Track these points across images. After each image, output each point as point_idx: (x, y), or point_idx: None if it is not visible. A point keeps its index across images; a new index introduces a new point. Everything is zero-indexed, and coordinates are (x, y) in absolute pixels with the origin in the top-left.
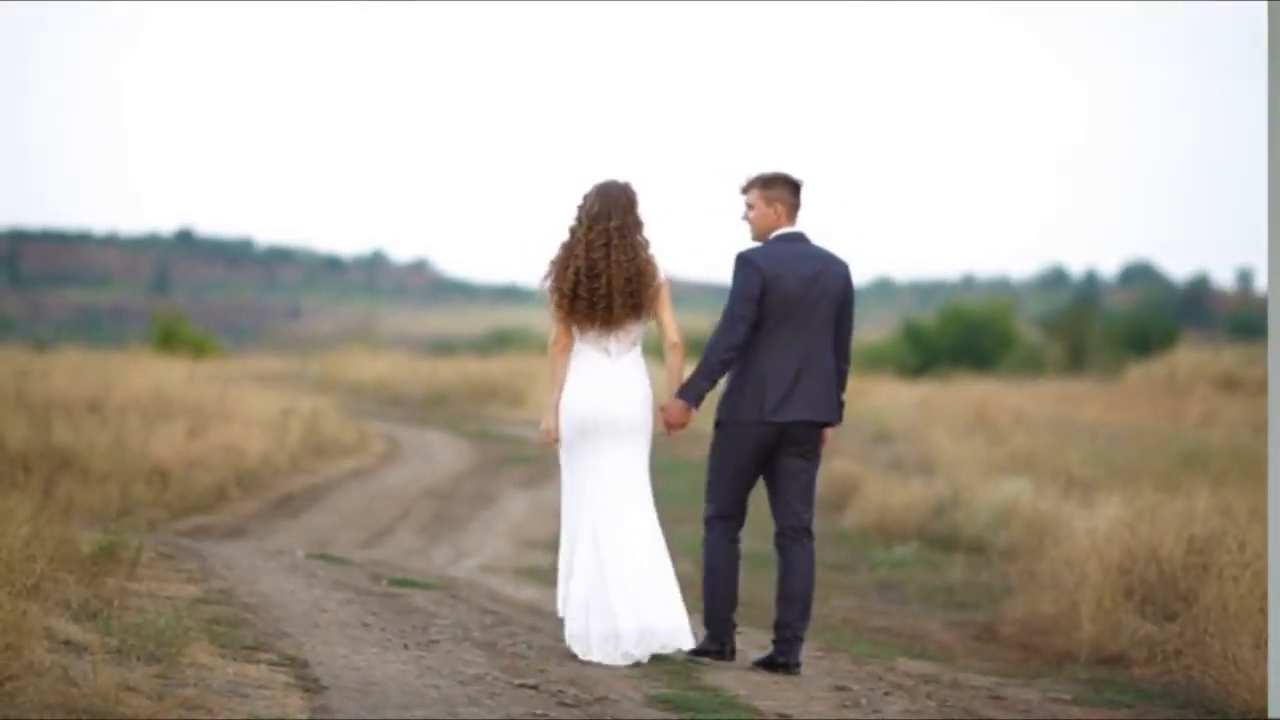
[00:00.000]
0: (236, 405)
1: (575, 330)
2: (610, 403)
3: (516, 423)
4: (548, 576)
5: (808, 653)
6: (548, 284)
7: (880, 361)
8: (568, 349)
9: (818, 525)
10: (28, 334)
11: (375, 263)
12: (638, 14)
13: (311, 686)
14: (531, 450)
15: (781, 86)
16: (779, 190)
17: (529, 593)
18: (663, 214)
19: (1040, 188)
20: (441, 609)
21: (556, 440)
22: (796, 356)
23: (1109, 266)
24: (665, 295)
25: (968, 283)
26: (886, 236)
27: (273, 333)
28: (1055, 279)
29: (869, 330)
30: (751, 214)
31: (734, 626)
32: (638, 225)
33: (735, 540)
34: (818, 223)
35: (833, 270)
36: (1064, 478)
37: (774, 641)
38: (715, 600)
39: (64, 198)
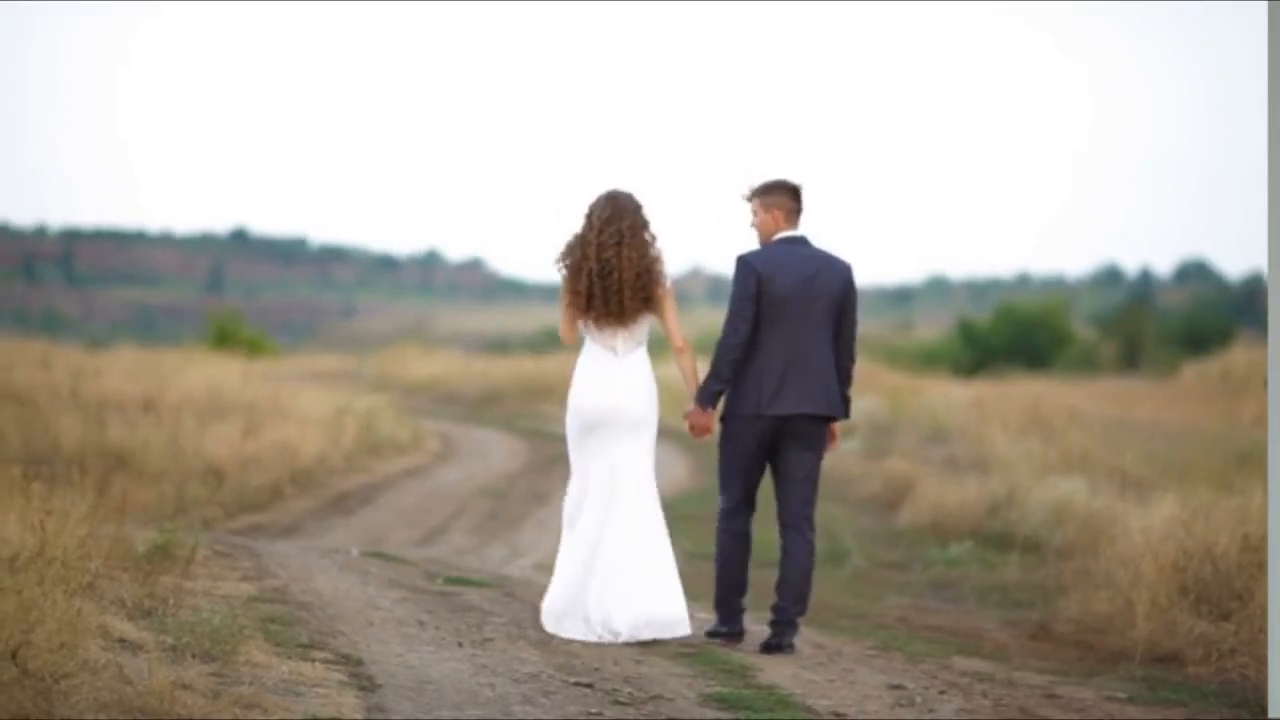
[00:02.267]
0: (291, 404)
1: (587, 328)
2: (616, 399)
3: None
4: None
5: (863, 650)
6: (562, 283)
7: (935, 360)
8: (572, 338)
9: (871, 524)
10: (83, 333)
11: (430, 261)
12: (693, 14)
13: (366, 685)
14: None
15: (840, 88)
16: (777, 197)
17: None
18: (715, 210)
19: (1096, 185)
20: (496, 607)
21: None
22: (790, 353)
23: (1164, 264)
24: (671, 299)
25: (1022, 281)
26: (941, 235)
27: (327, 332)
28: (1110, 277)
29: (924, 329)
30: (755, 221)
31: (742, 610)
32: (646, 226)
33: (745, 529)
34: (873, 222)
35: (830, 272)
36: (1119, 476)
37: (770, 624)
38: (723, 586)
39: (119, 197)
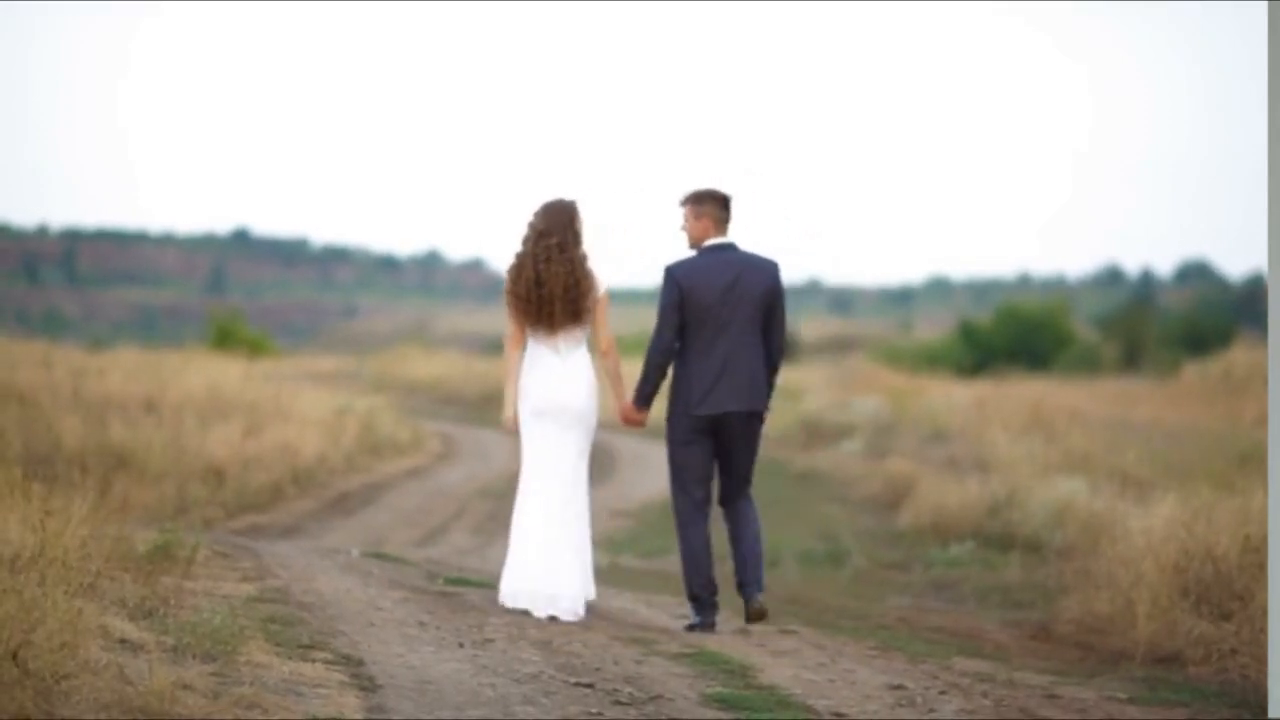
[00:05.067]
0: (292, 404)
1: (528, 331)
2: (559, 394)
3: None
4: (602, 575)
5: (863, 651)
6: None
7: (936, 360)
8: (520, 346)
9: (872, 525)
10: (84, 333)
11: (430, 262)
12: (694, 14)
13: (367, 685)
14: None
15: (841, 88)
16: (707, 206)
17: None
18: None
19: (1096, 186)
20: (496, 608)
21: (516, 430)
22: (719, 355)
23: (1165, 265)
24: (603, 306)
25: (1023, 282)
26: (942, 235)
27: (328, 332)
28: (1111, 278)
29: (925, 329)
30: (685, 227)
31: (715, 604)
32: (576, 241)
33: (705, 527)
34: (874, 222)
35: (753, 275)
36: (1120, 477)
37: (738, 589)
38: (690, 576)
39: (120, 197)
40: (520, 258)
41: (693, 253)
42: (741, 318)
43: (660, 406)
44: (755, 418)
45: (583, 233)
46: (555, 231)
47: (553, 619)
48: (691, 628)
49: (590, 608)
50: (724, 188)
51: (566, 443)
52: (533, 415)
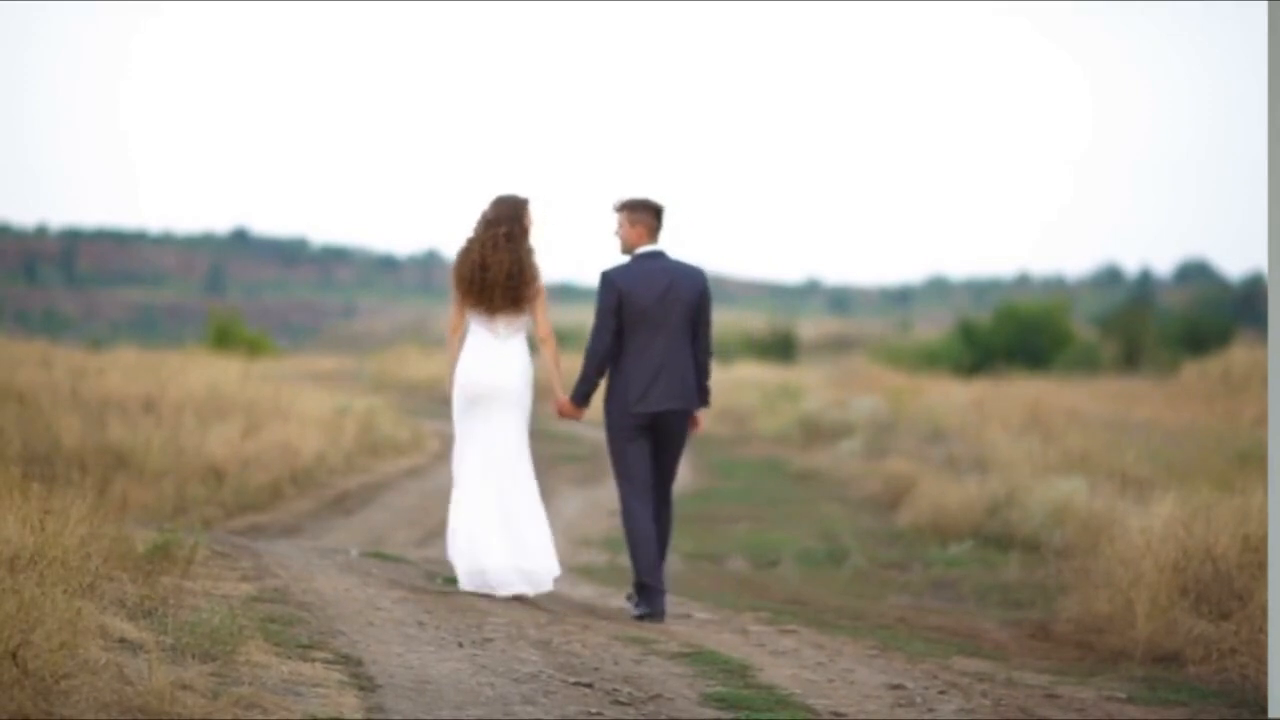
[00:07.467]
0: (291, 404)
1: (470, 314)
2: (495, 376)
3: (570, 420)
4: (602, 575)
5: (863, 650)
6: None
7: (935, 360)
8: (460, 331)
9: (871, 524)
10: (84, 333)
11: (430, 262)
12: (696, 15)
13: (366, 685)
14: (585, 449)
15: (842, 88)
16: (642, 215)
17: (583, 591)
18: (717, 212)
19: (1096, 186)
20: (496, 607)
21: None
22: (655, 357)
23: (1164, 264)
24: (541, 297)
25: (1023, 281)
26: (941, 235)
27: (328, 332)
28: (1110, 277)
29: (924, 329)
30: (619, 232)
31: (662, 591)
32: (523, 233)
33: (647, 515)
34: (874, 222)
35: (684, 282)
36: (1119, 476)
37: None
38: (636, 564)
39: (119, 197)
40: (469, 243)
41: (625, 258)
42: (675, 322)
43: (598, 402)
44: (686, 415)
45: (530, 228)
46: (503, 222)
47: (517, 595)
48: (641, 617)
49: (589, 607)
50: (657, 198)
51: (506, 424)
52: (468, 398)
